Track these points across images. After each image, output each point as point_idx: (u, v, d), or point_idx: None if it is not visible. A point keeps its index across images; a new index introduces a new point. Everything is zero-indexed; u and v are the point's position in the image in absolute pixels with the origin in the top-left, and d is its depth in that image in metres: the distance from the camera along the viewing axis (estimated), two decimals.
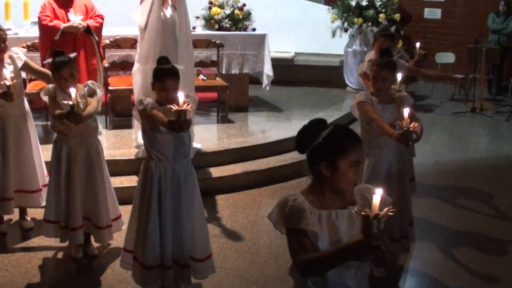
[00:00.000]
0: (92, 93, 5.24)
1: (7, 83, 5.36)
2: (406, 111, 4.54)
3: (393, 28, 7.18)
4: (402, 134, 4.56)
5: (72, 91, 4.84)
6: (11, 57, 5.70)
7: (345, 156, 2.80)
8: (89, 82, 5.37)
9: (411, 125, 4.53)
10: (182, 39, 6.79)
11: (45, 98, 5.21)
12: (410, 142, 4.68)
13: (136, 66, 6.97)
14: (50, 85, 5.26)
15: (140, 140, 7.11)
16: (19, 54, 5.75)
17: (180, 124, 4.30)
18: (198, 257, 4.76)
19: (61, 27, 7.40)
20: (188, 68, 6.78)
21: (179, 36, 6.74)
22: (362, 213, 2.54)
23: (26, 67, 5.77)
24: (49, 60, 5.27)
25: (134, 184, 4.82)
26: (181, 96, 4.25)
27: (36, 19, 7.71)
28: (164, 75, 4.52)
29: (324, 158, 2.81)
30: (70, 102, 4.83)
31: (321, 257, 2.70)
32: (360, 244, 2.51)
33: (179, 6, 6.67)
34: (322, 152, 2.82)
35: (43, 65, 7.44)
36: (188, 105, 4.27)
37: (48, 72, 5.62)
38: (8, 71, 5.50)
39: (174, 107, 4.23)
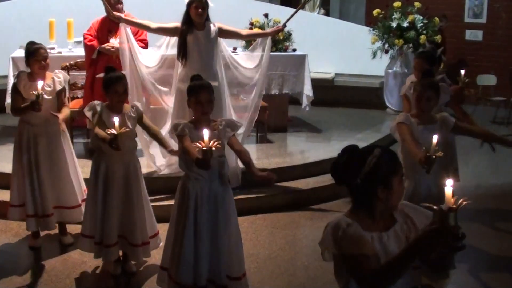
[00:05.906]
0: (140, 116, 5.33)
1: (35, 92, 5.41)
2: (435, 138, 4.56)
3: (440, 51, 7.11)
4: (425, 158, 4.58)
5: (116, 120, 4.89)
6: (53, 79, 5.80)
7: (397, 174, 2.83)
8: (136, 103, 5.45)
9: (437, 153, 4.55)
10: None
11: (88, 114, 5.27)
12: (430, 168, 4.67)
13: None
14: (96, 101, 5.33)
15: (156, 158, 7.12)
16: (61, 78, 5.86)
17: (207, 163, 4.29)
18: (234, 275, 4.78)
19: (97, 47, 7.53)
20: (220, 87, 6.81)
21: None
22: (435, 207, 2.57)
23: (60, 93, 5.83)
24: (101, 74, 5.33)
25: (173, 202, 4.84)
26: (206, 133, 4.17)
27: (79, 39, 7.86)
28: (197, 88, 4.64)
29: (381, 182, 2.79)
30: (114, 131, 4.89)
31: (392, 262, 2.67)
32: (435, 232, 2.56)
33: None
34: (378, 176, 2.79)
35: (87, 81, 7.62)
36: (214, 143, 4.21)
37: (68, 107, 5.93)
38: (41, 84, 5.50)
39: (200, 145, 4.20)
